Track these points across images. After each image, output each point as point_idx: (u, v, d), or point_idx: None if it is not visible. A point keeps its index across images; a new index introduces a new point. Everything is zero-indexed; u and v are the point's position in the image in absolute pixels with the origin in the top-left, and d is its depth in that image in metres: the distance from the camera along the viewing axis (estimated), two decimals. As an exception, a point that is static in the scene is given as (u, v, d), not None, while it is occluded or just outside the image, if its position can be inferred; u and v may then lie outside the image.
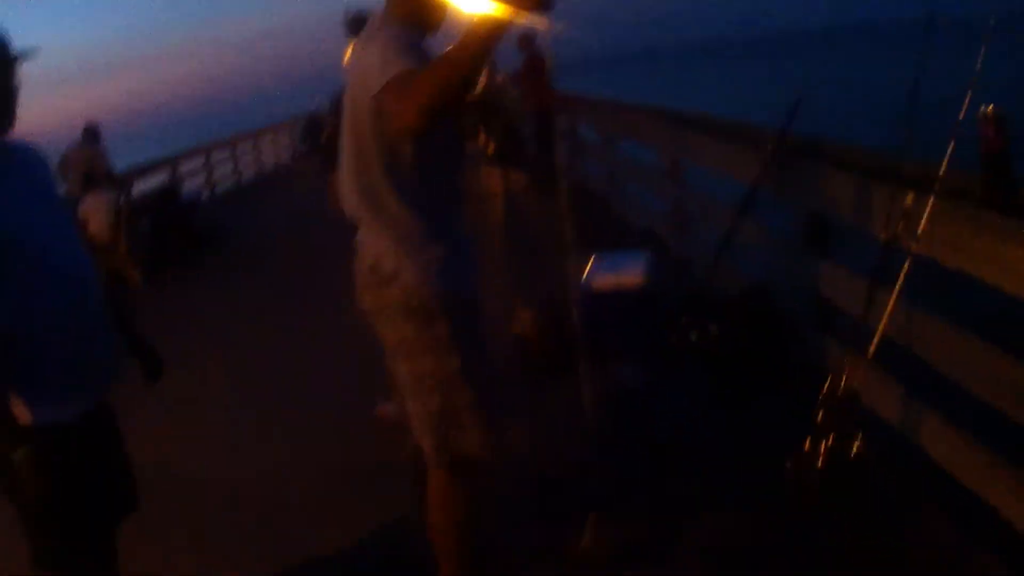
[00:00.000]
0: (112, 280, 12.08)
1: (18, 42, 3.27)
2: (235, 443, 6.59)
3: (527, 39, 14.73)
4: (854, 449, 4.19)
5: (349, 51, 5.72)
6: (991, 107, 4.04)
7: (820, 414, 4.26)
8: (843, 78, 45.77)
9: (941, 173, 4.12)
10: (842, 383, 4.30)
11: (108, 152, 14.87)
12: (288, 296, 11.02)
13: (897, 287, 4.24)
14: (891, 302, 4.24)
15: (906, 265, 4.23)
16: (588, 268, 7.12)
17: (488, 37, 2.97)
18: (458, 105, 3.24)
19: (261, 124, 34.09)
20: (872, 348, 4.32)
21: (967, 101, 4.01)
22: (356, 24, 5.75)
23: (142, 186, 17.74)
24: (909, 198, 4.29)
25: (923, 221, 4.17)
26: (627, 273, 6.88)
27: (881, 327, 4.28)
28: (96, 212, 12.88)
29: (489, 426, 3.66)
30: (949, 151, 4.12)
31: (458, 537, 3.82)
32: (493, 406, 3.71)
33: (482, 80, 11.40)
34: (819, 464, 4.18)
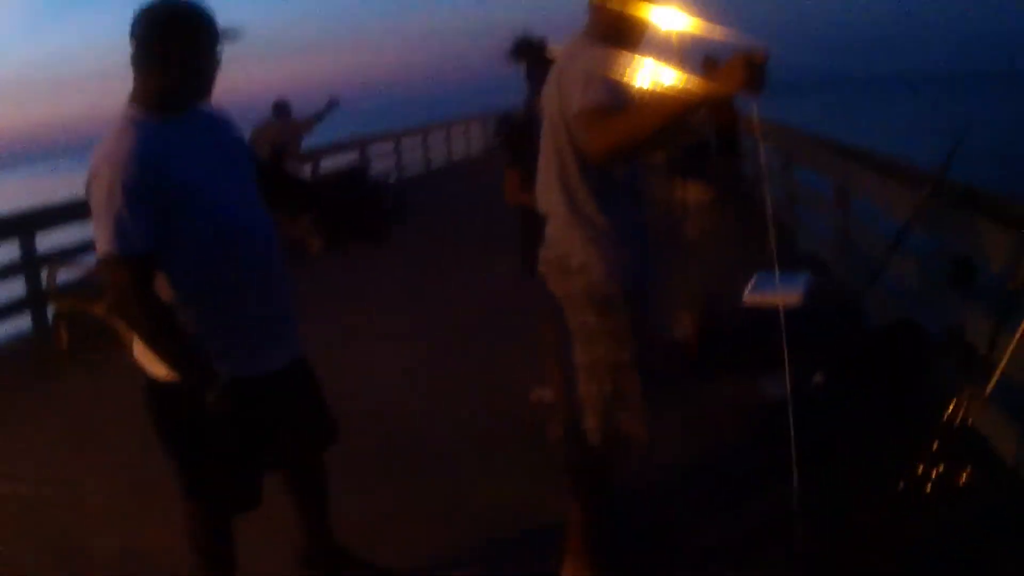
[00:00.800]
0: (292, 247, 12.73)
1: (223, 19, 3.52)
2: (391, 398, 7.21)
3: (711, 62, 14.89)
4: (963, 478, 4.45)
5: (524, 66, 6.04)
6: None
7: (935, 442, 4.53)
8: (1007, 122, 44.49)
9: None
10: (959, 415, 4.54)
11: (299, 127, 15.13)
12: (458, 277, 11.72)
13: (1020, 331, 4.48)
14: (1012, 344, 4.48)
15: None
16: (751, 283, 7.45)
17: (693, 105, 3.37)
18: (645, 149, 3.63)
19: (454, 116, 34.92)
20: (990, 385, 4.56)
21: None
22: (523, 50, 5.99)
23: (330, 163, 18.45)
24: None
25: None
26: (787, 292, 7.16)
27: (1000, 366, 4.52)
28: None
29: (649, 412, 4.01)
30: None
31: (591, 507, 4.21)
32: (654, 394, 4.04)
33: None
34: (928, 488, 4.46)
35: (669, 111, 3.38)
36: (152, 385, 3.65)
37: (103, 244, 3.30)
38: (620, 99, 3.56)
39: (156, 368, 3.58)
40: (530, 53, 5.90)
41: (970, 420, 4.57)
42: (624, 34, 3.86)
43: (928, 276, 6.76)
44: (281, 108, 14.90)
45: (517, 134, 6.00)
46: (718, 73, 3.25)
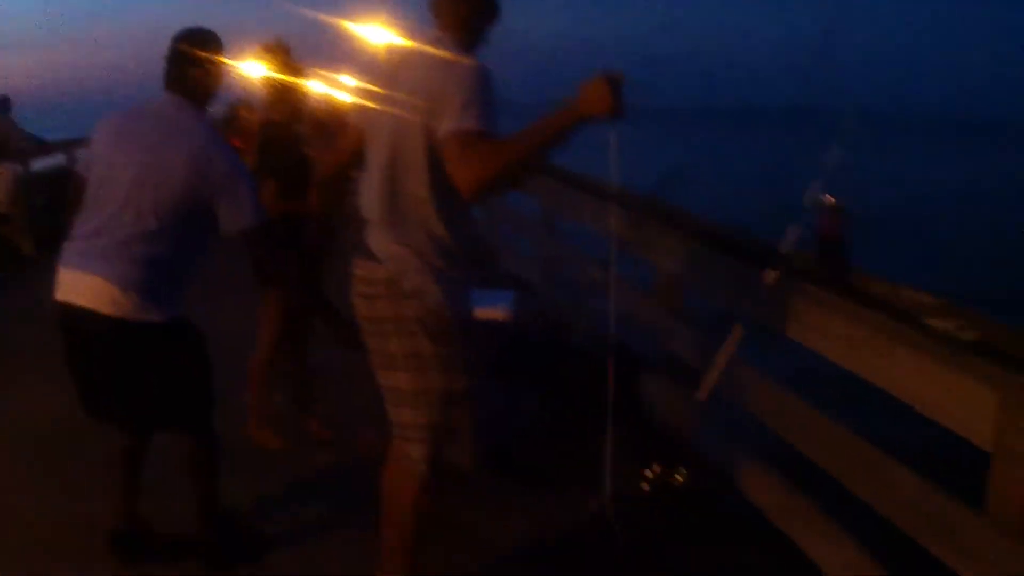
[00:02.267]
0: (4, 247, 12.37)
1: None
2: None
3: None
4: (677, 479, 4.68)
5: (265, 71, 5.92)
6: (828, 197, 4.58)
7: (651, 448, 4.76)
8: (727, 155, 47.11)
9: (782, 251, 4.63)
10: (670, 422, 4.78)
11: (18, 123, 15.15)
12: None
13: (728, 345, 4.74)
14: (722, 357, 4.75)
15: (738, 328, 4.75)
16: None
17: (560, 135, 3.30)
18: (511, 185, 3.50)
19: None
20: (702, 394, 4.82)
21: (813, 190, 4.52)
22: (273, 52, 5.90)
23: (41, 164, 17.78)
24: (752, 270, 4.82)
25: (762, 291, 4.69)
26: (491, 308, 7.31)
27: (710, 378, 4.78)
28: None
29: (478, 440, 3.89)
30: (791, 233, 4.62)
31: (414, 525, 3.95)
32: (481, 422, 3.91)
33: None
34: (644, 488, 4.67)
35: (544, 139, 3.34)
36: (169, 326, 4.26)
37: (256, 215, 4.30)
38: (496, 123, 3.39)
39: (153, 314, 4.18)
40: (275, 59, 5.82)
41: (682, 428, 4.83)
42: (473, 30, 3.75)
43: (637, 294, 7.03)
44: (3, 103, 15.08)
45: (270, 143, 5.87)
46: (582, 97, 3.25)
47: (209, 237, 4.37)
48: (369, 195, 3.81)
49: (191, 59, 4.31)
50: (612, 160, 3.68)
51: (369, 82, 3.87)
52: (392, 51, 3.96)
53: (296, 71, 5.97)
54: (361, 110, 3.93)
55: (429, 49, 3.63)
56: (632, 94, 3.24)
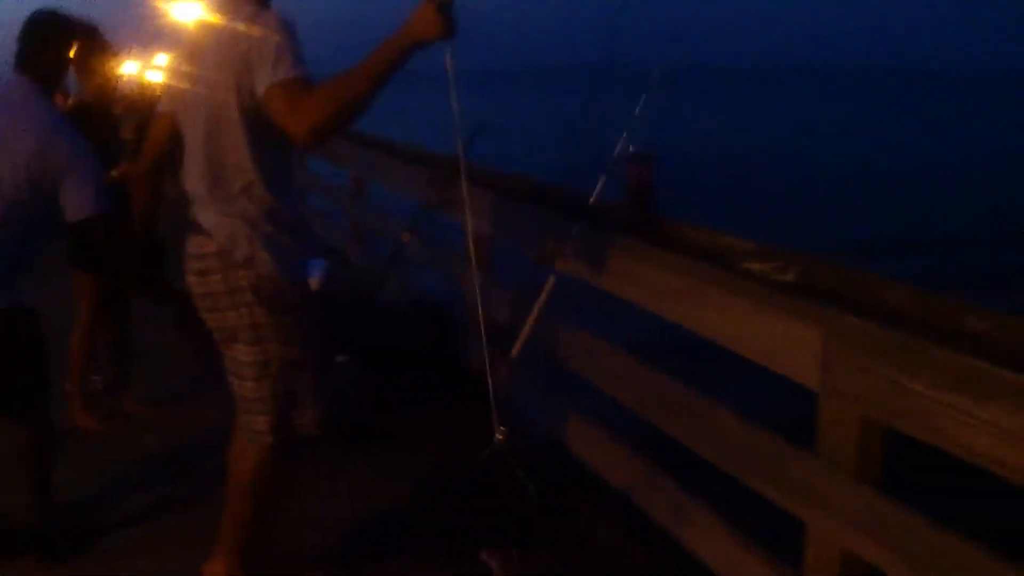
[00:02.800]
0: None
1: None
2: None
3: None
4: (498, 438, 4.57)
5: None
6: (633, 148, 4.52)
7: (473, 407, 4.63)
8: (530, 112, 47.55)
9: (591, 201, 4.55)
10: (490, 381, 4.66)
11: None
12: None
13: (540, 299, 4.63)
14: (534, 312, 4.65)
15: (550, 281, 4.64)
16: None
17: (393, 64, 3.15)
18: (350, 125, 3.33)
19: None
20: (515, 351, 4.71)
21: (622, 141, 4.45)
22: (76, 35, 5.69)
23: None
24: (559, 222, 4.72)
25: (572, 244, 4.59)
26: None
27: (523, 333, 4.67)
28: None
29: (323, 407, 3.91)
30: (600, 183, 4.55)
31: (259, 497, 3.90)
32: (327, 388, 3.95)
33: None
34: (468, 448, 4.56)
35: (377, 71, 3.18)
36: (8, 313, 4.21)
37: (100, 202, 4.23)
38: (306, 68, 3.32)
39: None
40: (83, 38, 5.52)
41: (501, 387, 4.71)
42: None
43: (447, 254, 6.95)
44: None
45: (83, 126, 5.59)
46: (411, 21, 3.15)
47: (53, 223, 4.31)
48: (191, 172, 3.72)
49: (44, 41, 4.33)
50: (451, 85, 3.40)
51: (174, 59, 3.86)
52: (193, 25, 3.81)
53: (107, 51, 5.75)
54: (169, 91, 3.92)
55: (226, 15, 3.52)
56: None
